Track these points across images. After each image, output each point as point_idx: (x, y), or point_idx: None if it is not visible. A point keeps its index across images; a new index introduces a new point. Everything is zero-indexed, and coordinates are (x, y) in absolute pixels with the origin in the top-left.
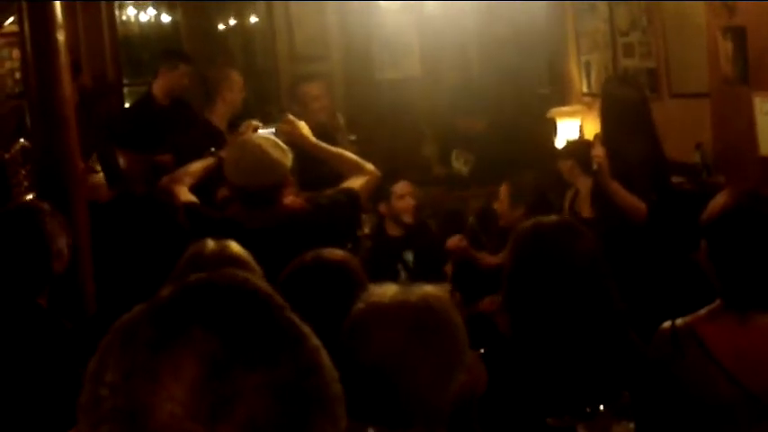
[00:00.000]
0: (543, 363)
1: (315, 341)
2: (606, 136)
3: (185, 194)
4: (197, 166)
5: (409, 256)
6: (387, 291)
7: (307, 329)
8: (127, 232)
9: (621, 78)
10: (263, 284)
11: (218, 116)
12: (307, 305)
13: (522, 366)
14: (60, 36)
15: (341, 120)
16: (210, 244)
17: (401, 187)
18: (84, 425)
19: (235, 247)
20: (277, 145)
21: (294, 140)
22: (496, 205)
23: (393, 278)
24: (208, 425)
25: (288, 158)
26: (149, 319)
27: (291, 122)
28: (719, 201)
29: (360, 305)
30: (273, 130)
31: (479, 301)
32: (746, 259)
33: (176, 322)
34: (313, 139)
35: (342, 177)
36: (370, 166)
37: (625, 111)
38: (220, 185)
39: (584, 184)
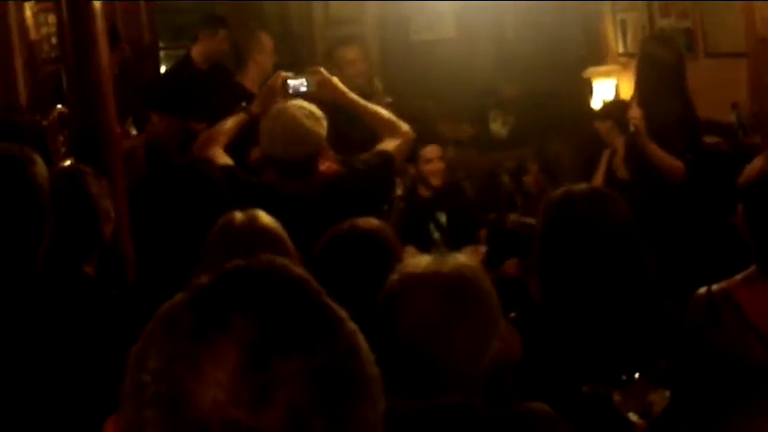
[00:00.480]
0: (576, 330)
1: (351, 325)
2: (641, 95)
3: (222, 156)
4: (230, 125)
5: (442, 217)
6: (420, 261)
7: (343, 314)
8: (164, 201)
9: (660, 38)
10: (299, 270)
11: (251, 80)
12: (342, 275)
13: (555, 334)
14: (97, 3)
15: (378, 84)
16: (239, 215)
17: (429, 151)
18: (128, 410)
19: (264, 217)
20: (311, 114)
21: (326, 91)
22: (526, 179)
23: (426, 239)
24: (250, 411)
25: (322, 127)
26: (189, 306)
27: (321, 72)
28: (756, 164)
29: (394, 276)
30: (304, 80)
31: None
32: None
33: (216, 310)
34: (343, 87)
35: (375, 140)
36: (404, 126)
37: (662, 71)
38: (253, 145)
39: (621, 145)
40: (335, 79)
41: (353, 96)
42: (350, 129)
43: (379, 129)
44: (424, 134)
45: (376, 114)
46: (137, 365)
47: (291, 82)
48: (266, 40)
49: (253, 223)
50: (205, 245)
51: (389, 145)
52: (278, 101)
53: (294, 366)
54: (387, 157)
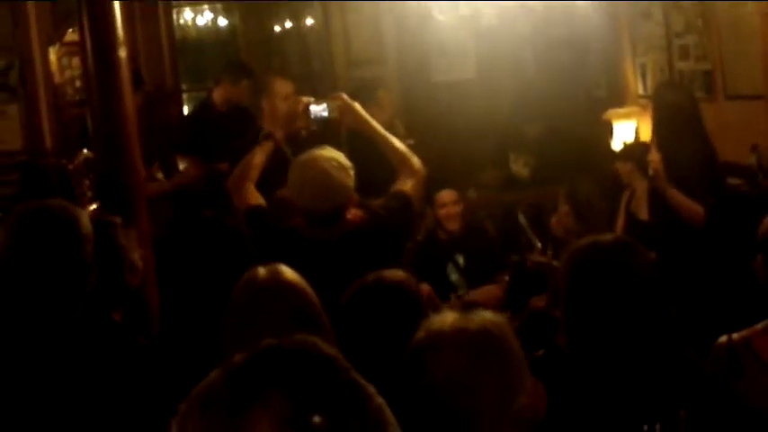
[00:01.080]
0: (600, 379)
1: (378, 400)
2: (659, 141)
3: (254, 195)
4: (259, 156)
5: (460, 259)
6: (446, 318)
7: (371, 389)
8: (190, 254)
9: (672, 84)
10: (329, 348)
11: (268, 123)
12: (369, 327)
13: (579, 381)
14: (122, 53)
15: (400, 127)
16: (262, 271)
17: (443, 196)
18: None
19: (287, 272)
20: (340, 166)
21: (348, 117)
22: (554, 221)
23: (443, 280)
24: None
25: (351, 178)
26: (225, 384)
27: (342, 98)
28: None
29: (420, 333)
30: (325, 105)
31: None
32: None
33: (251, 388)
34: (364, 113)
35: (392, 180)
36: (416, 161)
37: (677, 116)
38: (278, 178)
39: (641, 187)
40: (357, 105)
41: (375, 124)
42: (371, 168)
43: (395, 161)
44: (440, 178)
45: (394, 146)
46: None
47: (313, 108)
48: (279, 86)
49: (276, 278)
50: (230, 300)
51: (407, 185)
52: (299, 126)
53: None
54: (406, 200)
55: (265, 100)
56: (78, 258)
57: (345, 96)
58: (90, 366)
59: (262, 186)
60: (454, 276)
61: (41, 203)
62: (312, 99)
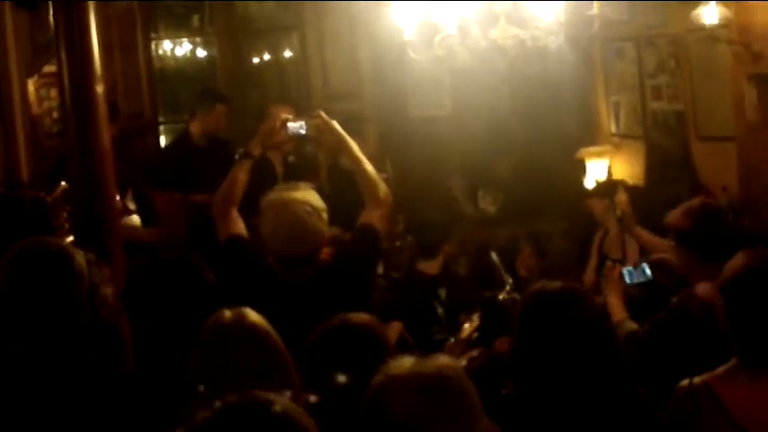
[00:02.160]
0: (551, 425)
1: None
2: (648, 180)
3: (237, 225)
4: (240, 177)
5: (443, 293)
6: (404, 363)
7: None
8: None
9: (662, 126)
10: (279, 407)
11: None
12: (334, 369)
13: (531, 428)
14: (99, 88)
15: (388, 167)
16: (228, 314)
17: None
18: None
19: (253, 315)
20: (314, 210)
21: (325, 135)
22: (518, 261)
23: (431, 315)
24: None
25: (324, 221)
26: None
27: (320, 116)
28: (736, 262)
29: (378, 377)
30: (303, 122)
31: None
32: (761, 320)
33: None
34: (342, 132)
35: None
36: (384, 189)
37: (667, 157)
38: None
39: (614, 226)
40: (335, 123)
41: (351, 142)
42: (349, 196)
43: (363, 188)
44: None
45: (366, 171)
46: None
47: (291, 125)
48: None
49: (241, 322)
50: (197, 343)
51: (374, 217)
52: (277, 141)
53: None
54: (373, 232)
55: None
56: (72, 297)
57: (324, 114)
58: (74, 400)
59: (251, 207)
60: (440, 310)
61: (35, 242)
62: (290, 116)
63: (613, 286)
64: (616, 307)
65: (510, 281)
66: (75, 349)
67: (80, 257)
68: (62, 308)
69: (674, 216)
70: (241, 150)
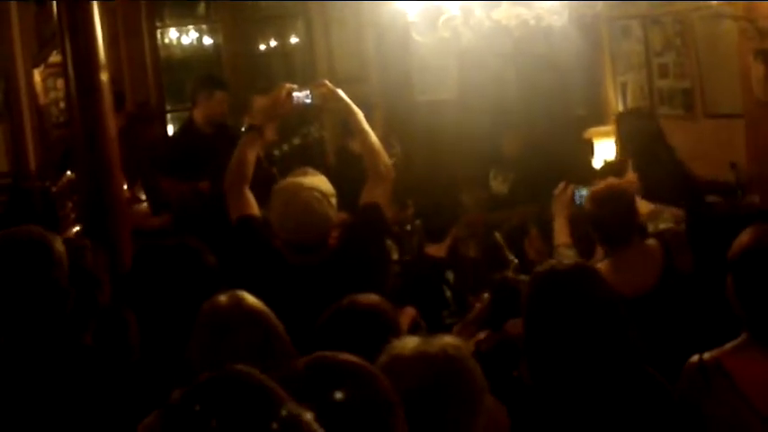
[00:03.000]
0: (564, 406)
1: (314, 427)
2: (634, 164)
3: (250, 204)
4: (249, 153)
5: (450, 276)
6: (408, 343)
7: (307, 417)
8: (154, 282)
9: (632, 113)
10: (266, 378)
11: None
12: (342, 350)
13: (543, 407)
14: (104, 76)
15: (396, 145)
16: (223, 298)
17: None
18: None
19: (250, 299)
20: (322, 196)
21: (331, 103)
22: (526, 244)
23: (439, 298)
24: None
25: (332, 207)
26: (164, 421)
27: (325, 84)
28: (745, 238)
29: (382, 357)
30: (308, 92)
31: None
32: None
33: (188, 422)
34: (348, 100)
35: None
36: (386, 162)
37: (643, 140)
38: (262, 195)
39: None
40: (341, 92)
41: (357, 111)
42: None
43: (366, 160)
44: (424, 195)
45: (371, 141)
46: None
47: (296, 94)
48: (258, 104)
49: (238, 305)
50: (195, 327)
51: (376, 193)
52: (282, 111)
53: None
54: (377, 210)
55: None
56: (52, 282)
57: (328, 83)
58: (61, 390)
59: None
60: (449, 293)
61: (11, 231)
62: (295, 86)
63: (561, 207)
64: (561, 229)
65: (515, 261)
66: (64, 336)
67: (59, 243)
68: (42, 293)
69: None
70: (250, 125)
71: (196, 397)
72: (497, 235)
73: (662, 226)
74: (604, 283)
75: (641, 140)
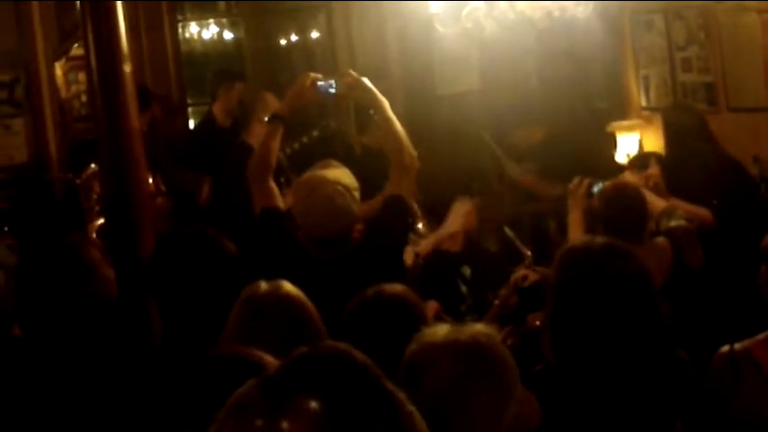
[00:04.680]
0: (591, 387)
1: (409, 407)
2: (670, 157)
3: (274, 195)
4: (273, 142)
5: (467, 271)
6: (438, 330)
7: (402, 395)
8: (175, 271)
9: (678, 106)
10: (361, 355)
11: (256, 139)
12: (369, 341)
13: (570, 392)
14: (127, 68)
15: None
16: (263, 285)
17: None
18: None
19: (288, 286)
20: (345, 189)
21: (356, 92)
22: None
23: (455, 293)
24: None
25: (356, 200)
26: (260, 392)
27: (350, 74)
28: None
29: (413, 346)
30: (333, 81)
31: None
32: None
33: (285, 395)
34: (373, 88)
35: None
36: (410, 152)
37: (685, 135)
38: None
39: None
40: (365, 80)
41: (383, 100)
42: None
43: (390, 151)
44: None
45: (395, 130)
46: None
47: (320, 83)
48: (271, 101)
49: (277, 292)
50: (231, 314)
51: (400, 185)
52: (306, 101)
53: None
54: (400, 202)
55: (258, 116)
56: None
57: (353, 72)
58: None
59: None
60: (464, 288)
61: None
62: (320, 75)
63: (577, 202)
64: (575, 224)
65: (528, 254)
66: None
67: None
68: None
69: None
70: (272, 115)
71: (296, 372)
72: (507, 229)
73: (673, 223)
74: (636, 262)
75: (676, 135)
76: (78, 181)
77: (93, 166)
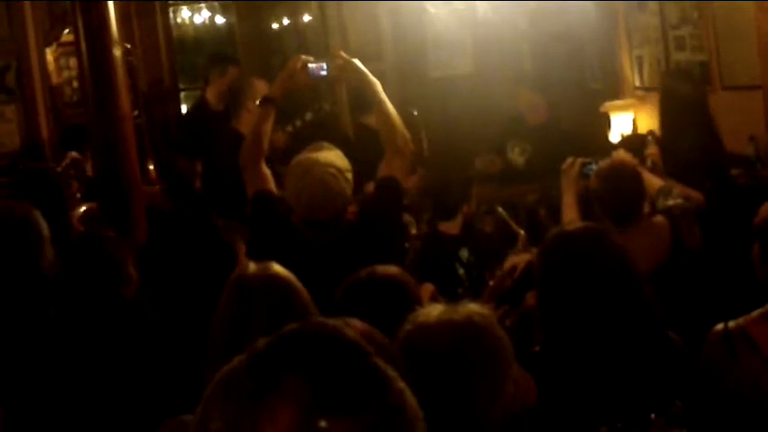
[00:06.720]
0: (584, 369)
1: (400, 384)
2: (665, 130)
3: (267, 179)
4: (265, 125)
5: (464, 253)
6: (432, 311)
7: (392, 372)
8: (169, 254)
9: (679, 73)
10: (350, 331)
11: (246, 125)
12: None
13: (567, 374)
14: (117, 52)
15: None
16: (252, 267)
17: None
18: None
19: (277, 268)
20: (338, 172)
21: (348, 74)
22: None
23: (452, 275)
24: None
25: (349, 182)
26: (247, 370)
27: (341, 56)
28: None
29: (407, 326)
30: (324, 64)
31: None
32: None
33: (272, 373)
34: (365, 70)
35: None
36: (404, 134)
37: (683, 105)
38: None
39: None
40: (357, 61)
41: (375, 82)
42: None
43: (384, 132)
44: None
45: (388, 112)
46: (200, 427)
47: (312, 66)
48: (261, 87)
49: (266, 272)
50: (222, 296)
51: (394, 167)
52: (298, 84)
53: (346, 425)
54: (394, 184)
55: (247, 103)
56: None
57: (344, 54)
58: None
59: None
60: (461, 271)
61: None
62: (311, 58)
63: (570, 184)
64: (569, 205)
65: (522, 233)
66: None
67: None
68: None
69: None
70: (265, 98)
71: (284, 350)
72: (499, 209)
73: (670, 202)
74: (615, 244)
75: (674, 104)
76: (59, 169)
77: (73, 153)
